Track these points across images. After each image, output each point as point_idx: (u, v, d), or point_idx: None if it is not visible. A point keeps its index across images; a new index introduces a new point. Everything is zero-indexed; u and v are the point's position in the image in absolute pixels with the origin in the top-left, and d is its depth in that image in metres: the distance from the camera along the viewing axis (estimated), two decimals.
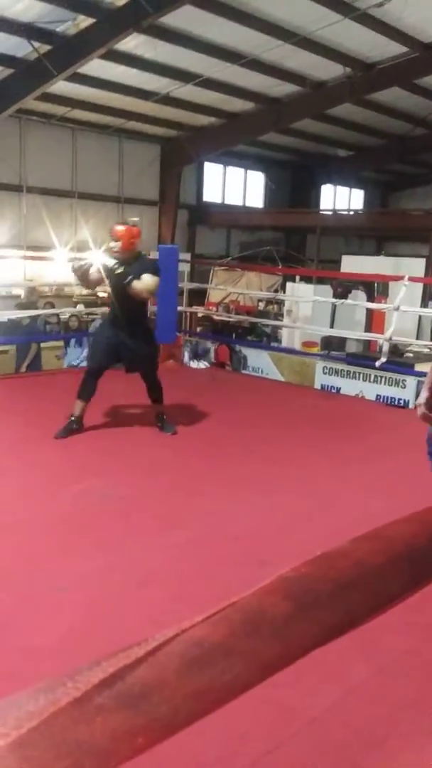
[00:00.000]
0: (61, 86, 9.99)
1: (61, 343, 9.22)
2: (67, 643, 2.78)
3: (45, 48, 8.92)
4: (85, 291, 12.12)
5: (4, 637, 2.84)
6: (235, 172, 16.33)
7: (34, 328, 9.26)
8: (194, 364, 10.08)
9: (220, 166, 15.85)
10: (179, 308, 9.82)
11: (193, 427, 6.33)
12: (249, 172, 16.55)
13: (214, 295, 12.95)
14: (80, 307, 10.78)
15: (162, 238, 13.84)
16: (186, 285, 10.83)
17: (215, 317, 11.58)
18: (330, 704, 2.56)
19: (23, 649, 2.74)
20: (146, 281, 5.41)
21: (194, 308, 11.47)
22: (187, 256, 12.44)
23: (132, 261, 5.49)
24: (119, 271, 5.32)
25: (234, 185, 16.39)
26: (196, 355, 10.15)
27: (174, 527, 4.10)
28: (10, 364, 8.61)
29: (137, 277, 5.36)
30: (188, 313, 11.12)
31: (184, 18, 8.59)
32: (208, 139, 13.32)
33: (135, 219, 5.68)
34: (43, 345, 8.97)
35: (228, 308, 12.61)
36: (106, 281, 5.53)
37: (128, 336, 5.54)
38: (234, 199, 16.43)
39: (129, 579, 3.40)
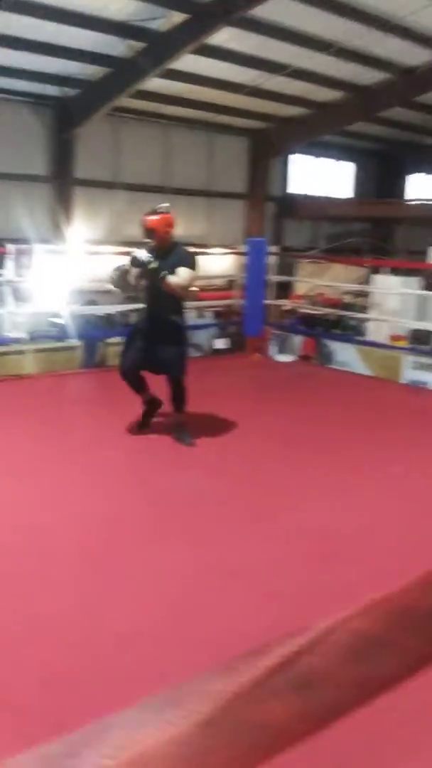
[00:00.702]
0: (153, 83, 10.16)
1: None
2: (158, 629, 2.86)
3: (139, 45, 9.10)
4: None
5: (99, 622, 2.94)
6: (323, 163, 16.14)
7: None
8: (281, 357, 10.06)
9: (307, 157, 15.71)
10: (266, 301, 9.82)
11: (278, 421, 6.32)
12: (337, 162, 16.32)
13: (300, 287, 12.86)
14: None
15: (250, 231, 13.86)
16: (273, 278, 10.80)
17: (301, 310, 11.49)
18: (420, 706, 2.52)
19: (116, 634, 2.83)
20: (181, 276, 4.97)
21: (280, 301, 11.42)
22: (275, 249, 12.39)
23: (168, 253, 5.04)
24: (153, 266, 4.87)
25: (321, 176, 16.20)
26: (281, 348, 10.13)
27: (261, 521, 4.12)
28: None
29: (172, 271, 4.93)
30: (275, 306, 11.09)
31: (273, 9, 8.57)
32: (296, 130, 13.24)
33: (166, 205, 5.21)
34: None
35: (314, 301, 12.50)
36: (140, 280, 5.07)
37: (160, 336, 5.11)
38: (321, 190, 16.25)
39: (218, 571, 3.45)
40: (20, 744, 0.41)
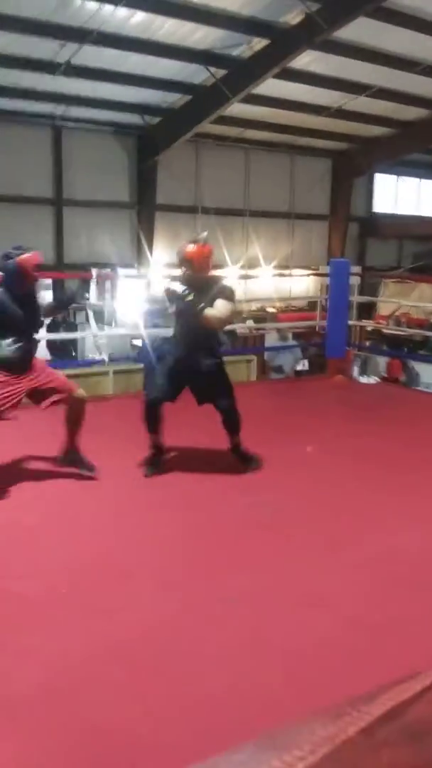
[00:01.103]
0: (234, 108, 10.30)
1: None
2: (233, 654, 2.81)
3: (221, 73, 9.25)
4: (254, 307, 12.35)
5: (172, 643, 2.92)
6: (408, 182, 15.90)
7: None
8: (364, 379, 9.89)
9: (392, 177, 15.51)
10: (349, 322, 9.69)
11: (361, 444, 6.19)
12: (423, 180, 16.04)
13: (384, 308, 12.65)
14: (249, 323, 10.97)
15: (332, 251, 13.78)
16: (356, 298, 10.67)
17: (385, 331, 11.30)
18: None
19: (193, 654, 2.81)
20: (219, 309, 4.82)
21: (363, 322, 11.26)
22: (357, 269, 12.27)
23: (204, 285, 4.90)
24: (189, 297, 4.76)
25: (407, 195, 15.95)
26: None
27: (343, 547, 4.00)
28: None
29: (210, 304, 4.80)
30: (358, 327, 10.94)
31: (356, 30, 8.53)
32: (380, 149, 13.12)
33: (204, 235, 5.06)
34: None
35: (399, 321, 12.26)
36: (172, 308, 5.01)
37: (198, 369, 4.98)
38: (407, 209, 15.98)
39: (296, 597, 3.37)
40: None
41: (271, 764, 0.39)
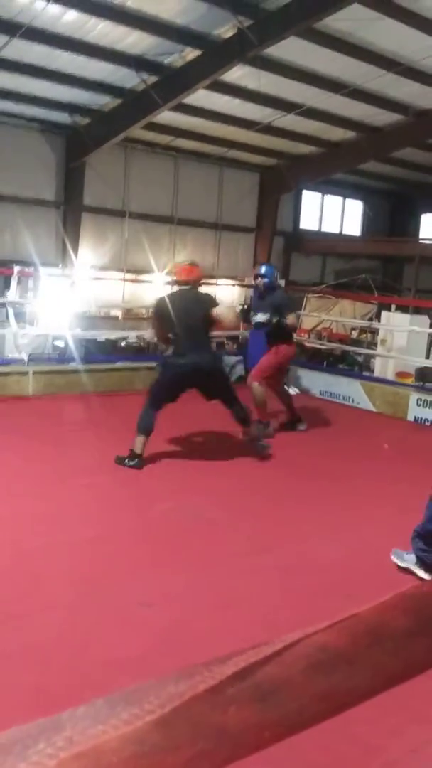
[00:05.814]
0: (165, 116, 10.34)
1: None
2: (148, 658, 2.81)
3: (152, 79, 9.27)
4: None
5: (87, 648, 2.89)
6: (333, 200, 16.35)
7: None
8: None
9: (318, 194, 15.90)
10: None
11: (285, 454, 6.30)
12: (347, 200, 16.52)
13: (307, 322, 12.92)
14: None
15: (257, 264, 13.98)
16: None
17: (306, 344, 11.53)
18: (413, 746, 2.47)
19: (105, 661, 2.79)
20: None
21: None
22: (281, 283, 12.46)
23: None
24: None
25: (331, 213, 16.39)
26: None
27: (261, 553, 4.08)
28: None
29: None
30: None
31: (289, 49, 8.73)
32: (307, 167, 13.42)
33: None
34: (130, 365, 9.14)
35: (320, 335, 12.54)
36: None
37: None
38: (331, 227, 16.41)
39: (213, 601, 3.40)
40: None
41: (121, 717, 0.40)
